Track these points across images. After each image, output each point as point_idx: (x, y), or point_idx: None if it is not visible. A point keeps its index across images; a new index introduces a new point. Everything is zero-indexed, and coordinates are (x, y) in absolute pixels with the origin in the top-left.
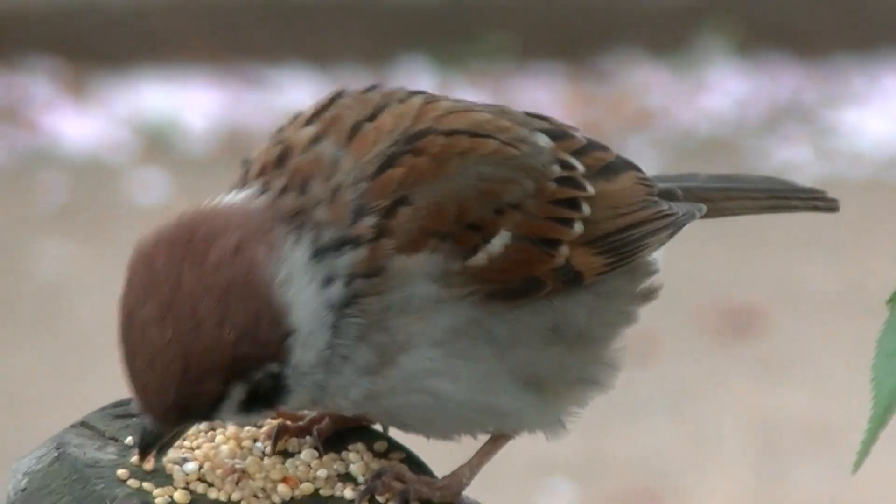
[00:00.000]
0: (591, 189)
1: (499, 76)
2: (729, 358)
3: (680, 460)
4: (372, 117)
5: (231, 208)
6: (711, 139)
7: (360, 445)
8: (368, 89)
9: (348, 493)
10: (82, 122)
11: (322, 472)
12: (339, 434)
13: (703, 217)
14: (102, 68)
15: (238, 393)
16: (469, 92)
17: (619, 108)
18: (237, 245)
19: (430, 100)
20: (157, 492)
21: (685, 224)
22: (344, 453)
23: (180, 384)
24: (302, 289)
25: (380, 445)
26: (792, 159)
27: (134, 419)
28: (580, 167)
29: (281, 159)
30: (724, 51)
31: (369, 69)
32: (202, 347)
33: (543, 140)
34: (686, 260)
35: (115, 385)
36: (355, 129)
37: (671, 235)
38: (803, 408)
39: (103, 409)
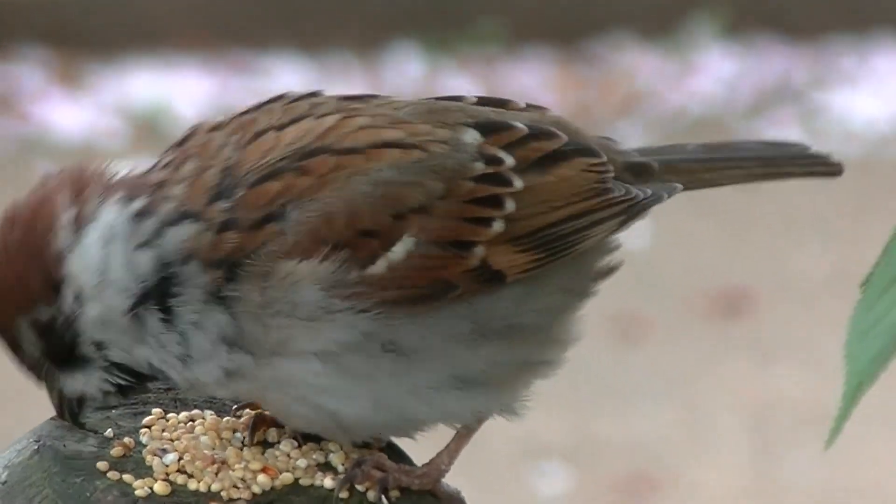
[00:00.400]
0: (518, 184)
1: (489, 61)
2: (722, 340)
3: (674, 443)
4: (282, 127)
5: (97, 169)
6: (701, 121)
7: None
8: (305, 96)
9: (328, 482)
10: (73, 110)
11: (302, 462)
12: None
13: (686, 190)
14: (93, 56)
15: (27, 331)
16: (459, 77)
17: (610, 92)
18: (49, 191)
19: (350, 114)
20: (136, 483)
21: (647, 208)
22: (323, 443)
23: None
24: (96, 241)
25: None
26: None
27: (113, 410)
28: (510, 161)
29: (184, 140)
30: (713, 33)
31: (359, 55)
32: None
33: (470, 136)
34: (678, 243)
35: None
36: (258, 135)
37: (624, 223)
38: (797, 390)
39: None
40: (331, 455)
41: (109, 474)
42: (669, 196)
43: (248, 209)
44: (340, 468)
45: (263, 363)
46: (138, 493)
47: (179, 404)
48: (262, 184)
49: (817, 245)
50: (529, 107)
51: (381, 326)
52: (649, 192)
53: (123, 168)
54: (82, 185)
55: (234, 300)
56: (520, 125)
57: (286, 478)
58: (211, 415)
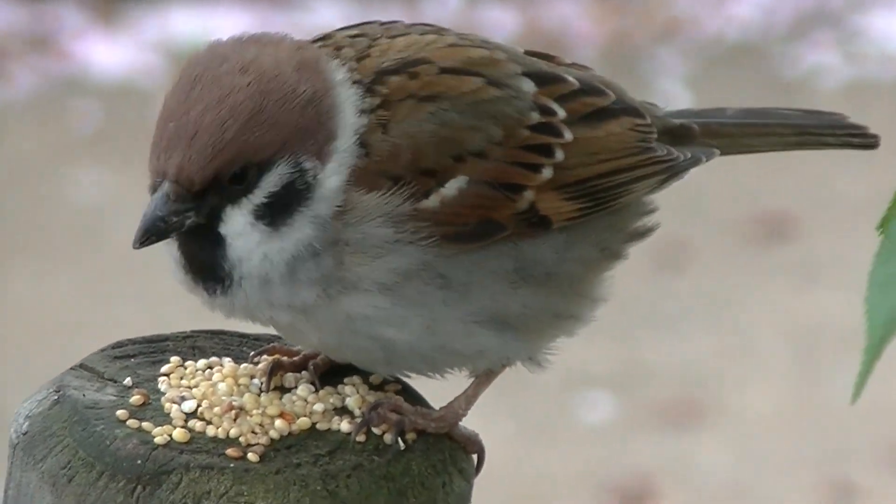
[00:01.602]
0: (568, 135)
1: None
2: (765, 265)
3: (718, 368)
4: (393, 36)
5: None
6: (740, 46)
7: (356, 378)
8: (392, 22)
9: (345, 426)
10: (113, 48)
11: (318, 407)
12: (335, 369)
13: (723, 154)
14: None
15: (278, 173)
16: (497, 9)
17: (648, 19)
18: (297, 45)
19: (439, 33)
20: (156, 430)
21: (686, 169)
22: (340, 387)
23: (244, 125)
24: (348, 102)
25: (375, 378)
26: (820, 64)
27: (132, 359)
28: (561, 113)
29: (326, 37)
30: None
31: None
32: (276, 98)
33: (527, 85)
34: (719, 170)
35: (150, 308)
36: (377, 39)
37: (665, 181)
38: (840, 312)
39: (102, 350)
40: (347, 399)
41: (129, 422)
42: (707, 160)
43: (378, 93)
44: (357, 412)
45: (334, 301)
46: (157, 440)
47: (197, 352)
48: (389, 76)
49: (858, 168)
50: (573, 65)
51: (435, 257)
52: (689, 154)
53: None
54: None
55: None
56: (571, 79)
57: (303, 423)
58: (229, 362)
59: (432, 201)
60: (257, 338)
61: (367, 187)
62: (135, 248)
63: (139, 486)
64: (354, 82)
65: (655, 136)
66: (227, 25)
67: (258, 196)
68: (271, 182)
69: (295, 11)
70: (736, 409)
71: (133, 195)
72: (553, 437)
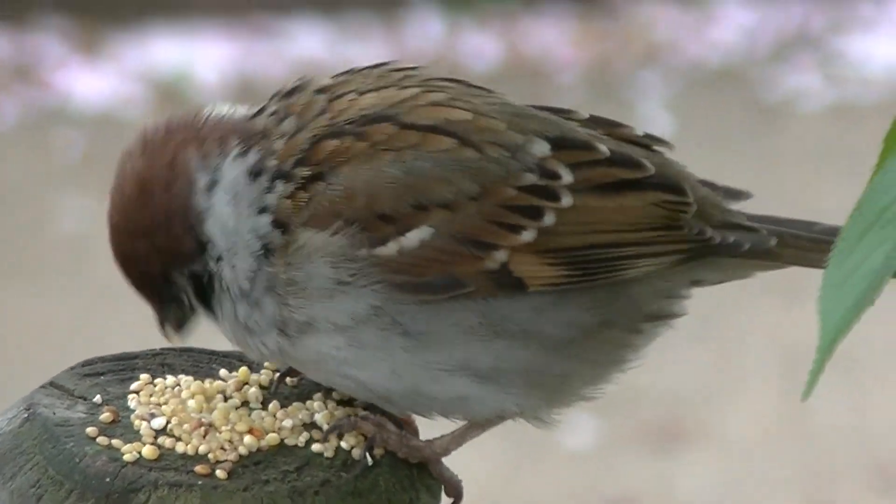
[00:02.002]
0: (567, 201)
1: (509, 18)
2: (750, 285)
3: (703, 390)
4: (363, 92)
5: (207, 117)
6: (721, 70)
7: (319, 395)
8: (410, 68)
9: (316, 447)
10: (94, 78)
11: (287, 423)
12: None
13: (788, 265)
14: (113, 24)
15: (182, 281)
16: (479, 36)
17: (630, 44)
18: (177, 147)
19: (432, 89)
20: (125, 448)
21: (719, 253)
22: (308, 402)
23: (131, 268)
24: (227, 203)
25: (341, 394)
26: (802, 87)
27: (102, 377)
28: (567, 178)
29: (291, 92)
30: None
31: (379, 16)
32: (132, 234)
33: (539, 148)
34: None
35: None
36: (340, 97)
37: (683, 262)
38: None
39: (72, 368)
40: (316, 415)
41: (98, 440)
42: (754, 247)
43: (307, 165)
44: (325, 427)
45: (296, 342)
46: (126, 457)
47: (167, 369)
48: (323, 141)
49: (840, 186)
50: (647, 136)
51: (388, 303)
52: (731, 238)
53: (225, 110)
54: (202, 138)
55: (272, 269)
56: (603, 148)
57: (272, 438)
58: (197, 379)
59: (390, 248)
60: (226, 354)
61: (318, 227)
62: (176, 341)
63: None
64: (253, 174)
65: (689, 214)
66: (208, 55)
67: (186, 296)
68: (184, 287)
69: (276, 40)
70: (721, 431)
71: None
72: (537, 460)
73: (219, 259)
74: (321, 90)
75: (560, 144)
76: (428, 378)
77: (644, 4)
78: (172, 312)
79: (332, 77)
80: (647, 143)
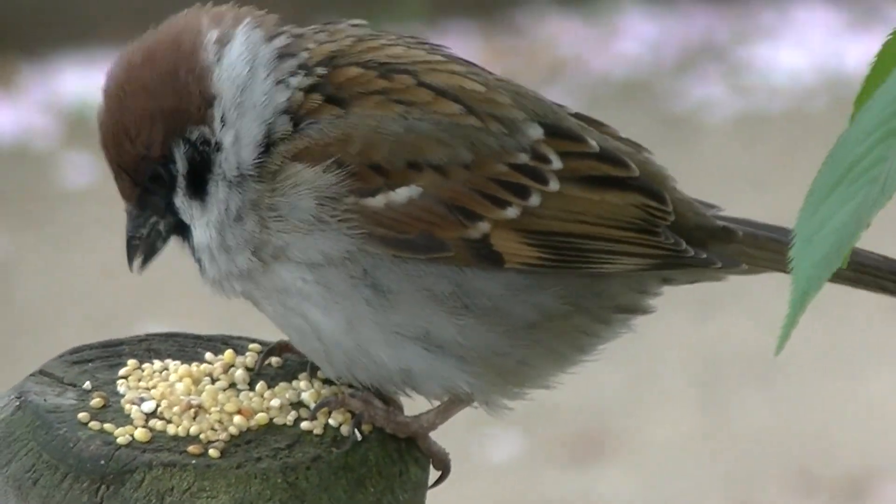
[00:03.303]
0: (554, 186)
1: None
2: (666, 295)
3: (622, 400)
4: (393, 44)
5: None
6: (627, 83)
7: (304, 374)
8: (438, 45)
9: (305, 424)
10: (5, 110)
11: (275, 402)
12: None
13: (764, 270)
14: (21, 56)
15: (180, 157)
16: None
17: (535, 61)
18: (187, 18)
19: (453, 61)
20: (118, 431)
21: (690, 266)
22: (294, 382)
23: (125, 142)
24: (239, 58)
25: (324, 373)
26: (708, 97)
27: (90, 363)
28: (557, 164)
29: (326, 23)
30: None
31: None
32: (135, 100)
33: (534, 131)
34: None
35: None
36: (372, 38)
37: (661, 268)
38: (741, 340)
39: (60, 356)
40: (303, 394)
41: (91, 424)
42: (725, 267)
43: (330, 84)
44: (312, 406)
45: (267, 268)
46: (119, 440)
47: (153, 354)
48: (348, 67)
49: (749, 194)
50: (626, 140)
51: (364, 255)
52: (703, 255)
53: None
54: (218, 13)
55: (257, 200)
56: (592, 143)
57: (261, 418)
58: (184, 363)
59: (378, 201)
60: (210, 338)
61: (309, 162)
62: (135, 272)
63: (103, 486)
64: (282, 55)
65: (667, 222)
66: None
67: (181, 178)
68: (180, 163)
69: None
70: (641, 441)
71: (33, 255)
72: (461, 474)
73: (223, 120)
74: (354, 25)
75: (553, 131)
76: (382, 339)
77: (548, 20)
78: (148, 227)
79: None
80: (629, 145)
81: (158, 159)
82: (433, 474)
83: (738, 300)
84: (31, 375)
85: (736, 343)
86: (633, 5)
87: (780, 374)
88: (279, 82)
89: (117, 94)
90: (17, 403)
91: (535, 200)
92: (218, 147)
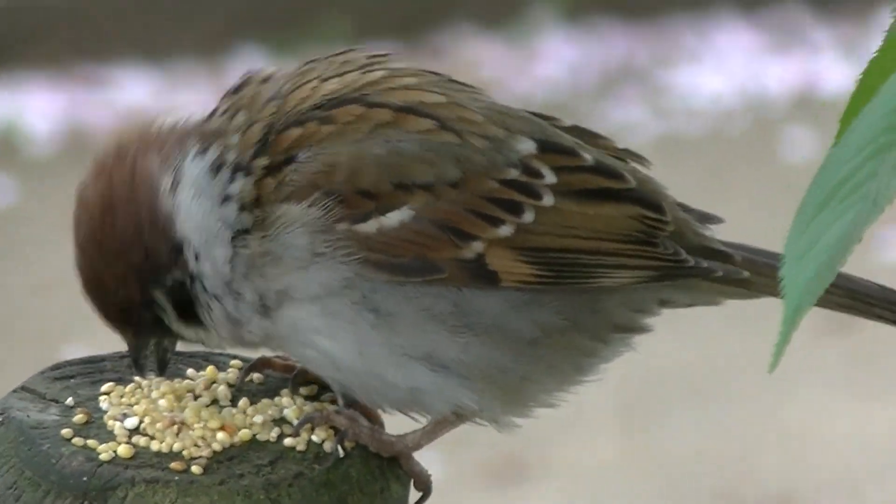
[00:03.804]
0: (548, 200)
1: None
2: None
3: (546, 422)
4: (326, 78)
5: (163, 126)
6: (548, 105)
7: (286, 390)
8: (381, 56)
9: (289, 441)
10: None
11: (258, 418)
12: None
13: (759, 295)
14: None
15: (161, 299)
16: None
17: None
18: (134, 157)
19: (401, 74)
20: (101, 447)
21: (691, 275)
22: (276, 398)
23: (106, 297)
24: (192, 198)
25: (308, 389)
26: (628, 120)
27: (72, 380)
28: (550, 178)
29: (238, 89)
30: (554, 19)
31: (204, 61)
32: (105, 259)
33: (525, 146)
34: None
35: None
36: (301, 85)
37: (657, 279)
38: (667, 360)
39: (42, 372)
40: (285, 410)
41: (74, 440)
42: (727, 275)
43: (272, 154)
44: (295, 422)
45: (276, 317)
46: (102, 456)
47: (135, 370)
48: (286, 130)
49: None
50: (624, 150)
51: (362, 281)
52: (704, 263)
53: (177, 119)
54: (161, 143)
55: (246, 248)
56: (587, 156)
57: (244, 434)
58: (166, 379)
59: (370, 226)
60: (192, 354)
61: (296, 200)
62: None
63: (86, 503)
64: (214, 169)
65: (666, 233)
66: (37, 105)
67: (170, 312)
68: (165, 304)
69: (105, 89)
70: (565, 463)
71: None
72: None
73: (197, 257)
74: (266, 79)
75: (545, 147)
76: (392, 362)
77: (470, 42)
78: (151, 346)
79: (298, 66)
80: (627, 157)
81: (142, 305)
82: (413, 494)
83: (662, 321)
84: (14, 391)
85: (660, 365)
86: (553, 28)
87: (705, 396)
88: (224, 200)
89: (87, 249)
90: (0, 419)
91: (528, 217)
92: (200, 275)
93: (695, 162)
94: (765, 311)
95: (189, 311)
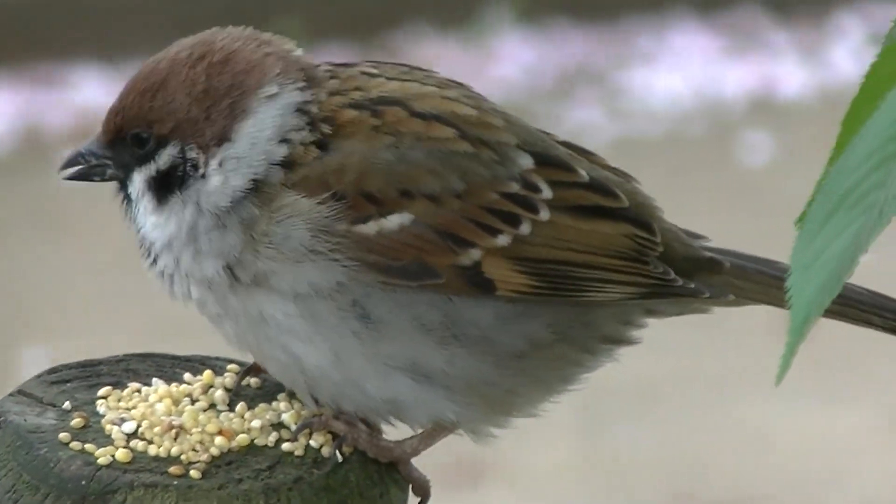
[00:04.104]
0: (545, 215)
1: None
2: None
3: None
4: (392, 78)
5: (292, 49)
6: (505, 107)
7: (283, 395)
8: (445, 78)
9: (286, 445)
10: None
11: (256, 423)
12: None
13: (752, 302)
14: None
15: (168, 152)
16: None
17: None
18: (265, 54)
19: (446, 86)
20: (99, 452)
21: (679, 295)
22: (274, 403)
23: (133, 112)
24: (272, 117)
25: None
26: (585, 121)
27: (68, 384)
28: (547, 193)
29: (346, 65)
30: (510, 20)
31: None
32: (173, 88)
33: (523, 160)
34: None
35: None
36: (377, 76)
37: (646, 296)
38: (623, 363)
39: (38, 376)
40: (283, 415)
41: (72, 444)
42: (712, 296)
43: (329, 124)
44: (293, 427)
45: (241, 291)
46: (101, 461)
47: (132, 374)
48: (346, 109)
49: None
50: (615, 170)
51: (356, 284)
52: (692, 284)
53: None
54: (286, 61)
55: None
56: (582, 172)
57: (242, 439)
58: (163, 383)
59: (369, 227)
60: (188, 359)
61: (306, 192)
62: (63, 177)
63: None
64: (298, 109)
65: (656, 252)
66: None
67: (152, 167)
68: (163, 159)
69: (60, 89)
70: (520, 465)
71: None
72: None
73: (221, 163)
74: (365, 73)
75: (543, 160)
76: (370, 370)
77: (426, 43)
78: (95, 162)
79: (376, 64)
80: (619, 174)
81: (151, 135)
82: (412, 499)
83: None
84: (10, 395)
85: (616, 367)
86: (510, 29)
87: (660, 399)
88: (282, 141)
89: (177, 65)
90: None
91: (525, 229)
92: (203, 176)
93: (652, 164)
94: (721, 316)
95: (163, 187)
